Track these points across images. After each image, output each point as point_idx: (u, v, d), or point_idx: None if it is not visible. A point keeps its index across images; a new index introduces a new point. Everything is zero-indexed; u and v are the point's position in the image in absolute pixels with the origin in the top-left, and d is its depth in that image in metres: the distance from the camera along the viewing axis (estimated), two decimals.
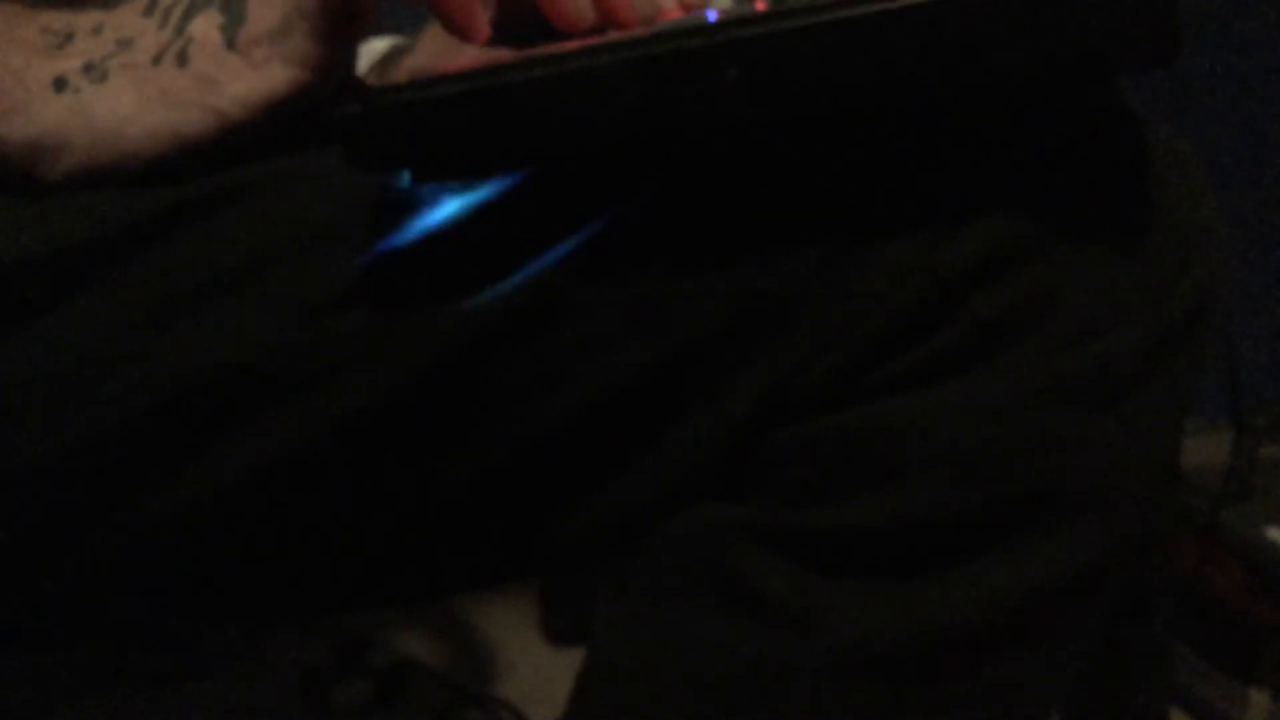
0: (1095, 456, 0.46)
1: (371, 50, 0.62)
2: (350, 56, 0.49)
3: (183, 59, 0.47)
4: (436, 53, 0.57)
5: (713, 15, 0.44)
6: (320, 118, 0.45)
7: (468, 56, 0.48)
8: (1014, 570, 0.46)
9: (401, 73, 0.58)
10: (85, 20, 0.49)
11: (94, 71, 0.47)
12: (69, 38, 0.48)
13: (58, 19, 0.49)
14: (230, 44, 0.47)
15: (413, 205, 0.46)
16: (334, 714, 1.14)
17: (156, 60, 0.47)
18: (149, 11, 0.49)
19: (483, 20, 0.47)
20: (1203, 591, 1.12)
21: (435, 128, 0.44)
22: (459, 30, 0.47)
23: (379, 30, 0.60)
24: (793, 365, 0.46)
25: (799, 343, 0.46)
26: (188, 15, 0.48)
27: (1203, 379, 0.50)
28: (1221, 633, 1.12)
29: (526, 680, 1.18)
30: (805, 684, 0.47)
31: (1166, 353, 0.46)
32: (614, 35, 0.46)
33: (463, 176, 0.46)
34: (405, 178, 0.46)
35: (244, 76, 0.47)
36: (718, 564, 0.48)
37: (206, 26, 0.48)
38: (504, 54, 0.46)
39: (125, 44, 0.48)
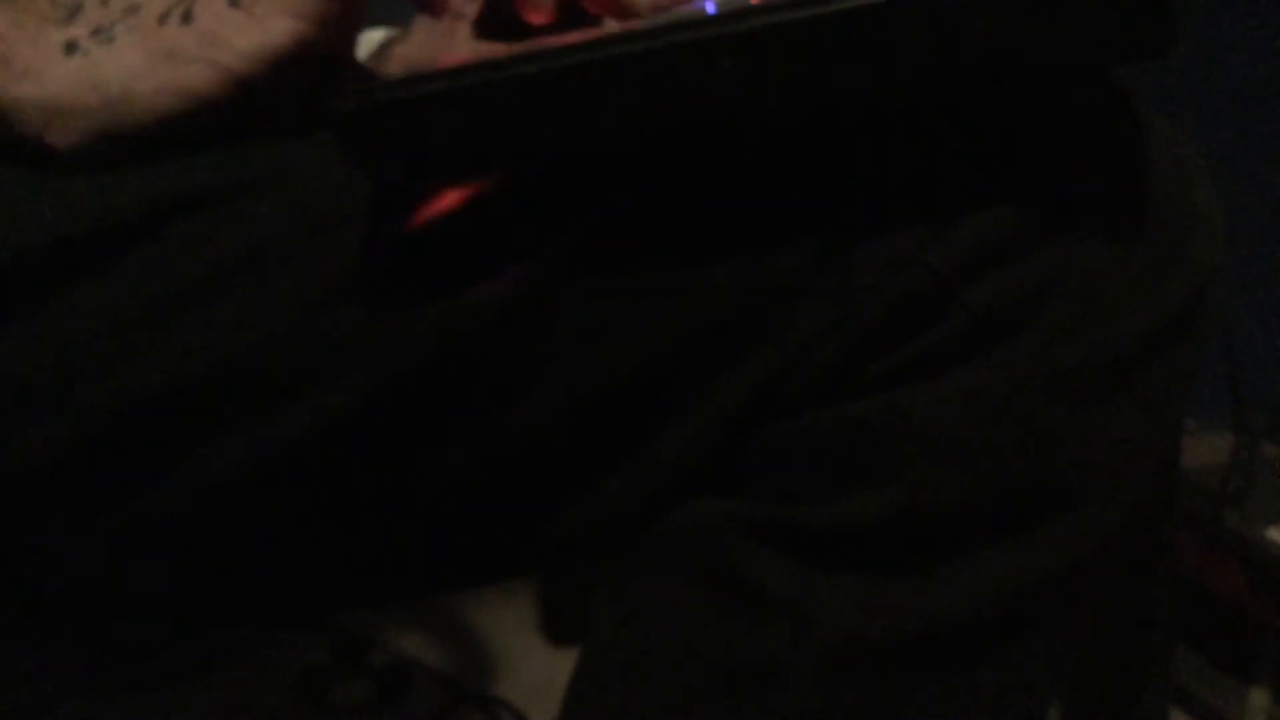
0: (1093, 449, 0.46)
1: (369, 40, 0.62)
2: (351, 11, 0.49)
3: (187, 18, 0.48)
4: (426, 42, 0.58)
5: (711, 7, 0.44)
6: (316, 112, 0.45)
7: (460, 48, 0.48)
8: (1011, 564, 0.46)
9: (393, 61, 0.58)
10: None
11: (102, 34, 0.48)
12: (78, 8, 0.49)
13: None
14: (234, 2, 0.48)
15: (407, 200, 0.46)
16: (334, 714, 1.14)
17: (162, 20, 0.48)
18: None
19: None
20: (1203, 591, 1.12)
21: (430, 124, 0.44)
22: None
23: (375, 22, 0.60)
24: (788, 359, 0.46)
25: (794, 336, 0.46)
26: None
27: (1203, 379, 0.50)
28: (1221, 633, 1.12)
29: (526, 680, 1.18)
30: (801, 679, 0.47)
31: (1164, 344, 0.46)
32: (608, 29, 0.46)
33: (458, 172, 0.46)
34: (400, 173, 0.46)
35: (247, 30, 0.47)
36: (714, 558, 0.48)
37: None
38: (497, 48, 0.47)
39: (132, 9, 0.48)
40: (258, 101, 0.48)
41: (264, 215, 0.47)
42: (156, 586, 0.52)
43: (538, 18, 0.52)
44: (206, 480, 0.48)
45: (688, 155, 0.46)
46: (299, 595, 0.55)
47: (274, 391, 0.47)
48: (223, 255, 0.47)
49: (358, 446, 0.48)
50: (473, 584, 0.59)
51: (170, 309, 0.46)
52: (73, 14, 0.49)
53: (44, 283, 0.46)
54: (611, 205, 0.46)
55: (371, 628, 1.21)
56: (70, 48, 0.48)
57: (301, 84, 0.48)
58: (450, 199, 0.46)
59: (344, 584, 0.54)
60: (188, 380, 0.47)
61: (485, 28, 0.54)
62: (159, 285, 0.46)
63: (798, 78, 0.42)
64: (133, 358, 0.46)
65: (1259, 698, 1.09)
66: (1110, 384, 0.46)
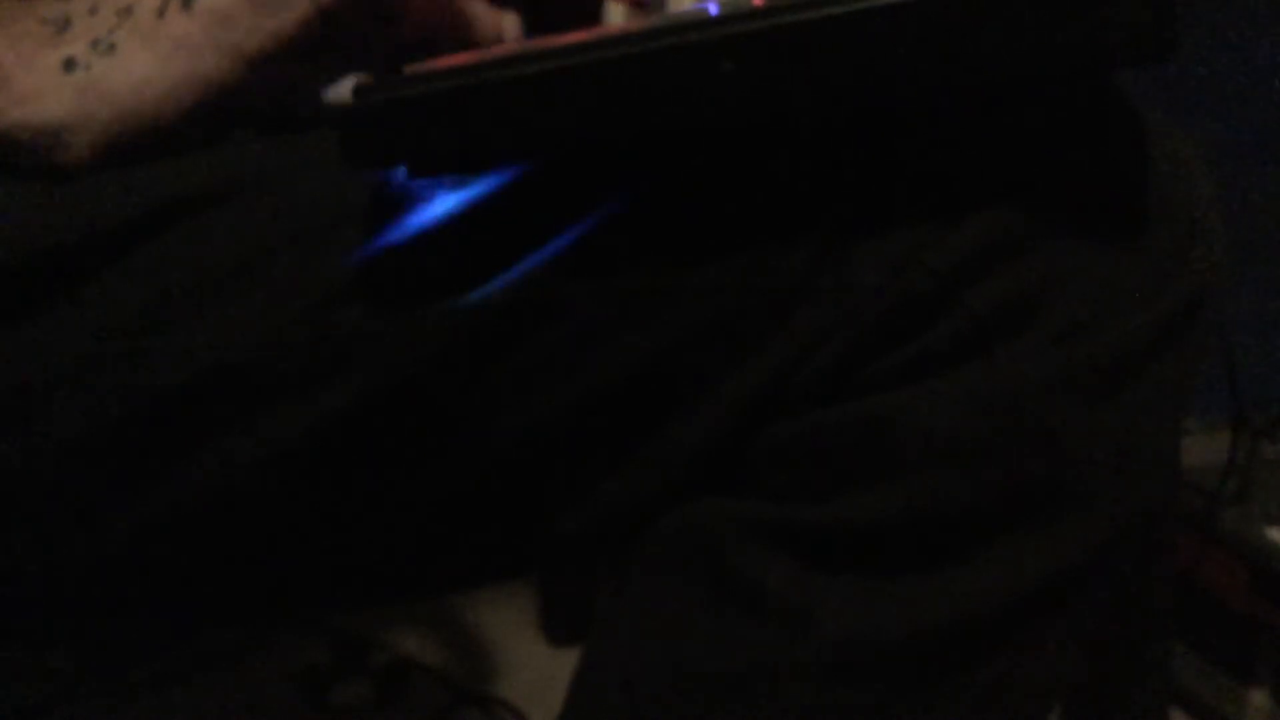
0: (1094, 450, 0.46)
1: None
2: None
3: (187, 4, 0.47)
4: None
5: (714, 9, 0.44)
6: (315, 112, 0.45)
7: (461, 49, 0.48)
8: (1012, 565, 0.46)
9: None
10: (79, 4, 0.49)
11: (100, 45, 0.47)
12: (67, 23, 0.48)
13: (51, 8, 0.49)
14: None
15: (408, 201, 0.46)
16: (334, 714, 1.14)
17: (160, 13, 0.47)
18: None
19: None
20: (1201, 591, 1.12)
21: (431, 123, 0.44)
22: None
23: None
24: (789, 359, 0.46)
25: (795, 337, 0.46)
26: None
27: (1202, 378, 0.50)
28: (1220, 632, 1.12)
29: (526, 680, 1.18)
30: (802, 680, 0.47)
31: (1165, 344, 0.46)
32: (609, 29, 0.46)
33: (459, 172, 0.46)
34: (401, 173, 0.46)
35: (254, 4, 0.47)
36: (715, 559, 0.48)
37: None
38: (497, 48, 0.47)
39: (125, 12, 0.47)
40: (269, 81, 0.47)
41: (263, 216, 0.47)
42: (157, 586, 0.52)
43: None
44: (206, 481, 0.48)
45: (688, 155, 0.46)
46: (300, 595, 0.55)
47: (274, 392, 0.47)
48: (222, 256, 0.47)
49: (358, 446, 0.48)
50: (473, 584, 0.59)
51: (170, 310, 0.46)
52: (62, 29, 0.48)
53: (45, 285, 0.46)
54: (611, 205, 0.46)
55: (371, 628, 1.21)
56: (69, 65, 0.47)
57: (312, 63, 0.47)
58: (449, 199, 0.46)
59: (344, 584, 0.54)
60: (187, 381, 0.47)
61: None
62: (159, 287, 0.46)
63: (799, 80, 0.42)
64: (132, 359, 0.46)
65: (1259, 698, 1.09)
66: (1111, 384, 0.46)
